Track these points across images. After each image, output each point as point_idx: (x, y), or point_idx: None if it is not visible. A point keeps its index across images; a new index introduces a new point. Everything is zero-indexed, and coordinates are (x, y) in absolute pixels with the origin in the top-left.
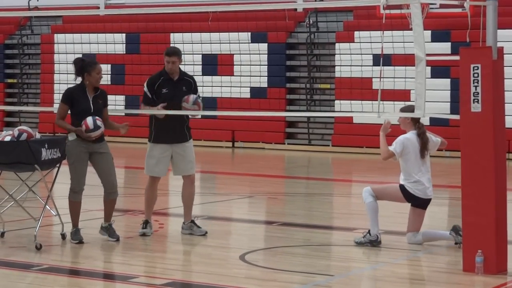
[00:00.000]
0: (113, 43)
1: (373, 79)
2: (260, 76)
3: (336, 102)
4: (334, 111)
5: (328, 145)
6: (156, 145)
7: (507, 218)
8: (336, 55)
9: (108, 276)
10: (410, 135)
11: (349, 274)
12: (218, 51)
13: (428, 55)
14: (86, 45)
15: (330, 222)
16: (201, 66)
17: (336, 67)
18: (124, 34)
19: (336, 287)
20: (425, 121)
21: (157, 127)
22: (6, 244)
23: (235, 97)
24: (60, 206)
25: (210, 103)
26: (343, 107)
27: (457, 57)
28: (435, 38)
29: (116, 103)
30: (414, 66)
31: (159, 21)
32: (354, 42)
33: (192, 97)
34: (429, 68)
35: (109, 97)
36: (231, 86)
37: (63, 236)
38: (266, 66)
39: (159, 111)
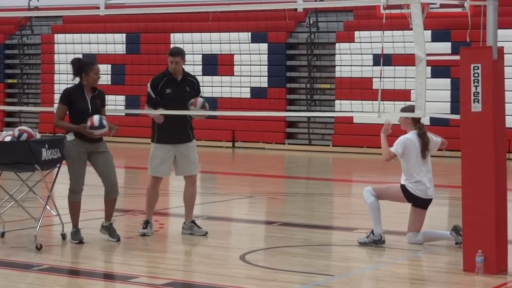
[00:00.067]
0: (113, 43)
1: (373, 79)
2: (260, 76)
3: (336, 102)
4: (334, 111)
5: (329, 145)
6: (160, 145)
7: (507, 218)
8: (336, 55)
9: (109, 276)
10: (411, 135)
11: (349, 274)
12: (218, 51)
13: (428, 55)
14: (86, 45)
15: (330, 222)
16: (201, 66)
17: (336, 67)
18: (124, 34)
19: (336, 287)
20: (426, 121)
21: (160, 127)
22: (6, 244)
23: (235, 97)
24: (60, 206)
25: (210, 103)
26: (343, 107)
27: (457, 57)
28: (435, 38)
29: (116, 103)
30: (414, 66)
31: (159, 21)
32: (354, 42)
33: (199, 101)
34: (429, 68)
35: (109, 97)
36: (231, 86)
37: (64, 236)
38: (266, 66)
39: (159, 111)
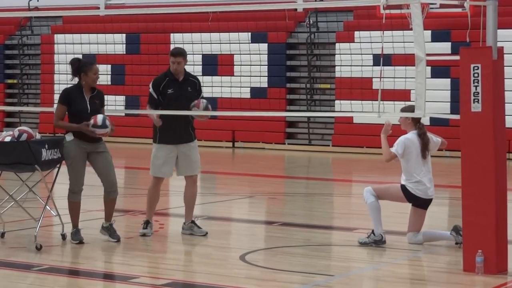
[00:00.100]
0: (113, 44)
1: (373, 79)
2: (260, 76)
3: (336, 102)
4: (334, 111)
5: (328, 145)
6: (162, 145)
7: (507, 218)
8: (336, 55)
9: (109, 277)
10: (411, 135)
11: (349, 274)
12: (218, 51)
13: (428, 55)
14: (86, 45)
15: (330, 222)
16: (201, 66)
17: (336, 67)
18: (124, 35)
19: (336, 287)
20: (425, 121)
21: (162, 127)
22: (6, 244)
23: (235, 97)
24: (60, 206)
25: (210, 103)
26: (343, 107)
27: (457, 57)
28: (435, 38)
29: (116, 104)
30: (414, 66)
31: (159, 21)
32: (354, 42)
33: (202, 103)
34: (429, 68)
35: (109, 97)
36: (231, 86)
37: (63, 236)
38: (266, 66)
39: (159, 111)
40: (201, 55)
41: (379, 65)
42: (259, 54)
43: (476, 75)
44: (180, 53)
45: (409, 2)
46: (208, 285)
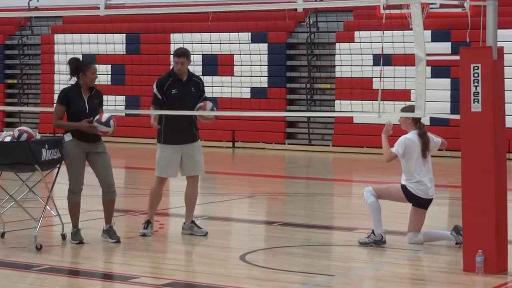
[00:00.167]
0: (113, 44)
1: (373, 79)
2: (260, 76)
3: (337, 102)
4: (334, 111)
5: (329, 145)
6: (167, 146)
7: (507, 218)
8: (336, 55)
9: (109, 277)
10: (411, 135)
11: (350, 274)
12: (218, 51)
13: (428, 55)
14: (86, 45)
15: (331, 222)
16: (201, 66)
17: (336, 67)
18: (124, 35)
19: (337, 287)
20: (426, 121)
21: (167, 128)
22: (6, 244)
23: (236, 97)
24: (60, 206)
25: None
26: (344, 107)
27: (457, 57)
28: (435, 38)
29: (116, 104)
30: (414, 66)
31: (159, 21)
32: (354, 42)
33: (208, 105)
34: (429, 68)
35: (109, 97)
36: (231, 86)
37: (64, 236)
38: (266, 66)
39: (158, 111)
40: (201, 55)
41: (379, 65)
42: (259, 54)
43: (476, 75)
44: (184, 54)
45: (409, 2)
46: (209, 285)
